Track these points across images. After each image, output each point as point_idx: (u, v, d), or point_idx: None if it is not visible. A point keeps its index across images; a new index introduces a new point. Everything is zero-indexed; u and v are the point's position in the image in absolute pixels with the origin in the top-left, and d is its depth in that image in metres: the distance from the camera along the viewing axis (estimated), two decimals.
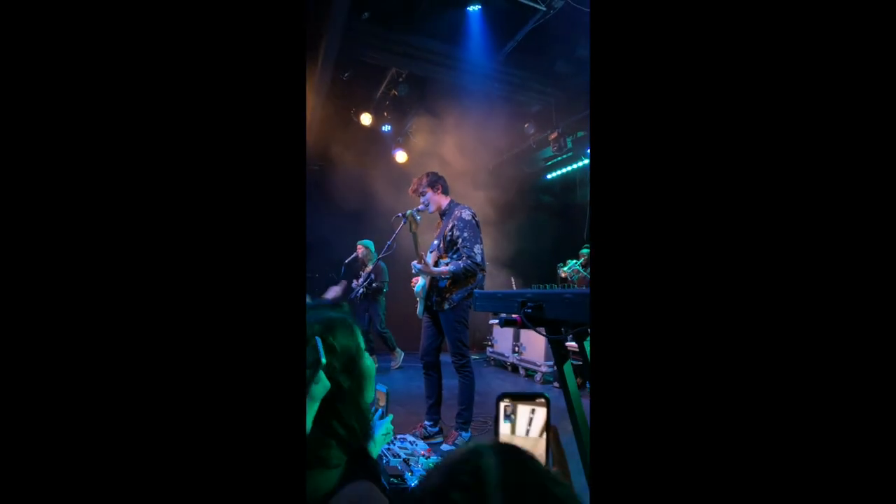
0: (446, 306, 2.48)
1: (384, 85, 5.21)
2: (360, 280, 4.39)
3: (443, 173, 2.69)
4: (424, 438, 2.50)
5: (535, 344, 4.45)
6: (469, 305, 2.50)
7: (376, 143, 6.17)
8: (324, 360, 0.77)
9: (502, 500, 0.35)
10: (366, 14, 3.93)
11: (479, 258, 2.47)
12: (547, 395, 0.64)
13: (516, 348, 4.75)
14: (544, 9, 3.72)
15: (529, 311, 1.18)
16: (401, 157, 6.06)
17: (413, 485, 1.67)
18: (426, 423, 2.63)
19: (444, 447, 2.39)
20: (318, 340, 0.77)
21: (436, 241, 2.63)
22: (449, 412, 2.66)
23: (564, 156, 5.60)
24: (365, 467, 0.80)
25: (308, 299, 0.91)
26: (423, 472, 1.81)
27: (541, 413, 0.63)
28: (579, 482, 0.87)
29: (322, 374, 0.76)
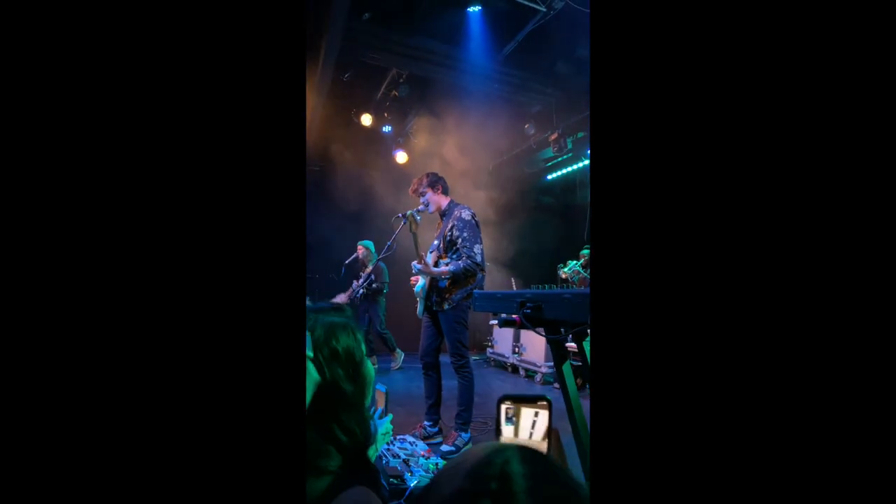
0: (446, 306, 2.48)
1: (385, 85, 5.21)
2: (360, 281, 4.39)
3: (443, 174, 2.70)
4: (424, 439, 2.50)
5: (535, 344, 4.45)
6: (469, 306, 2.50)
7: (377, 144, 6.17)
8: (310, 354, 0.77)
9: None
10: (366, 15, 3.94)
11: (478, 258, 2.47)
12: (548, 396, 0.64)
13: (516, 349, 4.75)
14: (544, 9, 3.73)
15: (528, 311, 1.19)
16: (401, 157, 6.06)
17: (412, 485, 1.67)
18: (426, 423, 2.63)
19: (444, 448, 2.39)
20: (307, 335, 0.78)
21: (436, 242, 2.63)
22: (448, 413, 2.65)
23: (564, 156, 5.60)
24: (365, 474, 0.80)
25: (308, 301, 0.91)
26: (436, 471, 1.81)
27: (543, 416, 0.63)
28: None
29: (311, 366, 0.77)
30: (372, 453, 1.07)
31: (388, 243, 2.80)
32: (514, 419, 0.63)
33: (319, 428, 0.77)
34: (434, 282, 2.52)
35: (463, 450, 2.42)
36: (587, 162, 5.49)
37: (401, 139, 6.08)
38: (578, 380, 3.56)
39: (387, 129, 5.92)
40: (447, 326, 2.51)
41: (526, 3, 3.68)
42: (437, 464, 1.89)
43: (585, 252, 4.80)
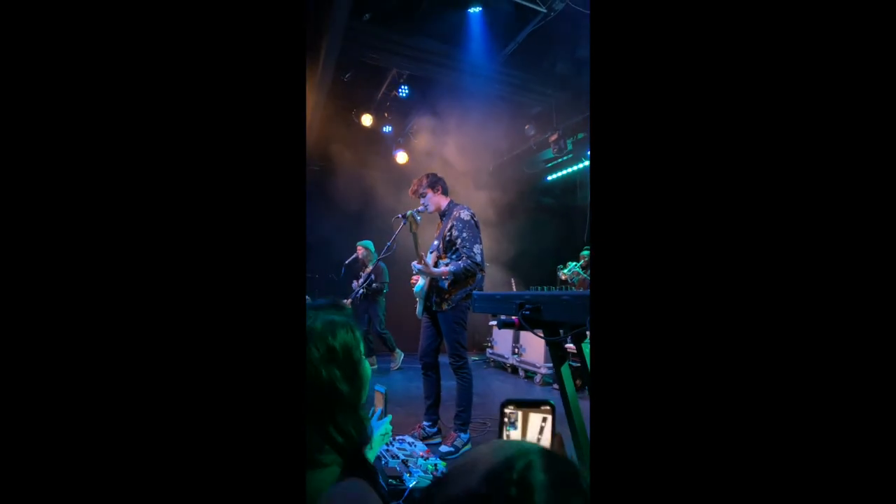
0: (445, 307, 2.48)
1: (385, 86, 5.21)
2: (360, 281, 4.39)
3: (443, 174, 2.70)
4: (423, 439, 2.50)
5: (534, 345, 4.44)
6: (468, 306, 2.50)
7: (377, 144, 6.18)
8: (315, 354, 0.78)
9: None
10: (367, 15, 3.94)
11: (478, 258, 2.47)
12: (551, 401, 0.64)
13: (516, 350, 4.75)
14: (545, 10, 3.73)
15: (527, 313, 1.19)
16: (401, 157, 6.06)
17: (411, 485, 1.67)
18: (425, 423, 2.62)
19: (443, 448, 2.38)
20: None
21: (435, 242, 2.63)
22: (448, 413, 2.65)
23: (565, 157, 5.61)
24: (361, 470, 0.79)
25: (308, 299, 0.91)
26: (434, 471, 1.81)
27: (546, 421, 0.63)
28: None
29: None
30: (370, 454, 1.06)
31: (388, 243, 2.80)
32: (516, 424, 0.63)
33: (315, 429, 0.77)
34: (434, 282, 2.52)
35: (463, 450, 2.42)
36: (587, 163, 5.49)
37: (401, 139, 6.08)
38: (577, 381, 3.56)
39: (387, 129, 5.92)
40: (446, 327, 2.51)
41: (526, 3, 3.68)
42: (435, 464, 1.89)
43: (585, 253, 4.80)
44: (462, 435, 2.47)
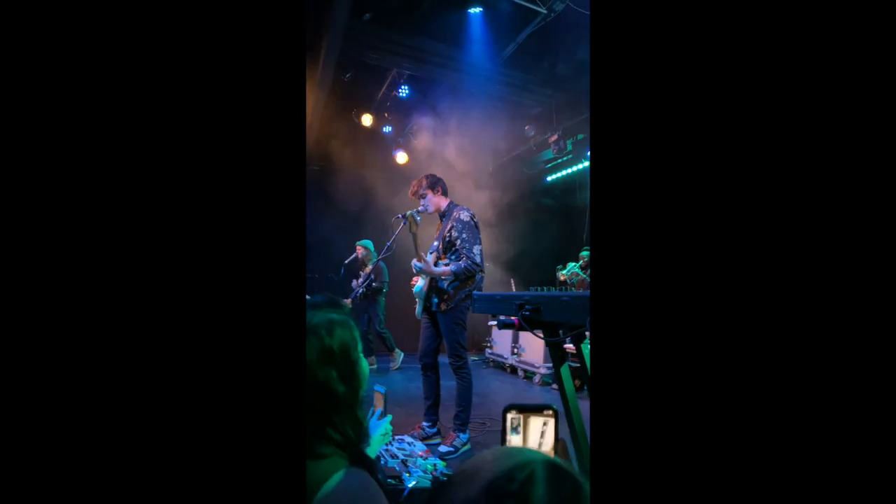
0: (445, 307, 2.48)
1: (385, 86, 5.21)
2: (360, 280, 4.39)
3: (443, 175, 2.70)
4: (423, 439, 2.50)
5: (533, 346, 4.44)
6: (467, 307, 2.50)
7: (377, 144, 6.17)
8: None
9: None
10: (367, 15, 3.94)
11: (478, 259, 2.47)
12: (554, 406, 0.63)
13: (515, 350, 4.75)
14: (545, 11, 3.74)
15: (527, 313, 1.19)
16: (401, 157, 6.06)
17: (410, 485, 1.67)
18: (424, 424, 2.63)
19: (442, 448, 2.39)
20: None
21: (435, 243, 2.63)
22: (447, 413, 2.65)
23: (564, 158, 5.61)
24: (363, 463, 0.79)
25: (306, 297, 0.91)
26: (434, 471, 1.81)
27: (549, 425, 0.62)
28: None
29: None
30: (369, 453, 1.06)
31: (388, 244, 2.80)
32: (519, 429, 0.62)
33: (312, 429, 0.77)
34: (433, 282, 2.52)
35: (462, 450, 2.42)
36: (587, 164, 5.50)
37: (401, 139, 6.08)
38: (576, 381, 3.56)
39: (387, 129, 5.92)
40: (446, 327, 2.51)
41: (527, 4, 3.69)
42: (434, 464, 1.89)
43: (584, 254, 4.80)
44: (461, 435, 2.47)
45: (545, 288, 1.23)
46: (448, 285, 2.47)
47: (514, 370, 4.86)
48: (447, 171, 4.98)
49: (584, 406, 1.22)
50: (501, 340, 5.13)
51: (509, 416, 0.63)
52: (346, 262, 4.67)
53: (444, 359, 2.56)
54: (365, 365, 0.89)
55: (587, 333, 1.26)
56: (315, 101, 4.70)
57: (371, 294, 4.83)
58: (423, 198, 2.60)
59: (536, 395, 4.03)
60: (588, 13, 3.38)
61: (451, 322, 2.49)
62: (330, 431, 0.79)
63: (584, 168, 5.63)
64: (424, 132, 5.76)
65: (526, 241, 6.20)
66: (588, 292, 1.02)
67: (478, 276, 2.51)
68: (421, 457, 1.99)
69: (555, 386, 4.11)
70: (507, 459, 0.37)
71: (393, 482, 1.69)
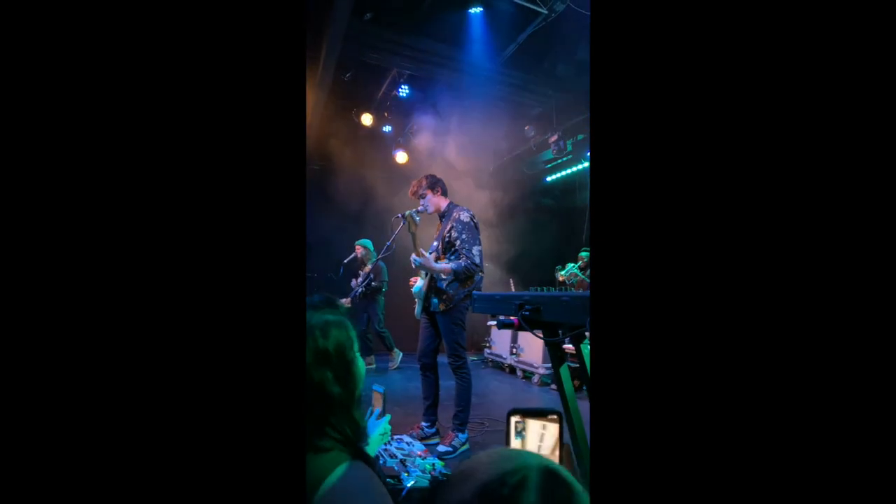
0: (444, 307, 2.48)
1: (385, 85, 5.21)
2: (360, 280, 4.39)
3: (443, 175, 2.70)
4: (421, 439, 2.50)
5: (532, 346, 4.44)
6: (467, 307, 2.50)
7: (377, 144, 6.17)
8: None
9: None
10: (368, 15, 3.94)
11: (477, 259, 2.47)
12: (559, 410, 0.62)
13: (514, 350, 4.75)
14: (546, 11, 3.74)
15: (527, 313, 1.19)
16: (401, 157, 6.06)
17: (409, 485, 1.67)
18: (423, 424, 2.63)
19: (441, 448, 2.39)
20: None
21: (435, 243, 2.63)
22: (446, 413, 2.65)
23: (564, 158, 5.61)
24: (364, 458, 0.79)
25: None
26: (433, 470, 1.81)
27: (553, 430, 0.61)
28: None
29: None
30: (369, 452, 1.06)
31: (388, 243, 2.80)
32: (523, 433, 0.62)
33: (311, 429, 0.77)
34: (433, 282, 2.52)
35: (461, 450, 2.42)
36: (587, 164, 5.50)
37: (401, 139, 6.08)
38: (575, 381, 3.56)
39: (387, 129, 5.92)
40: (445, 327, 2.51)
41: (527, 4, 3.69)
42: (433, 464, 1.89)
43: (584, 254, 4.80)
44: (460, 435, 2.47)
45: (545, 288, 1.23)
46: (447, 285, 2.47)
47: (512, 370, 4.86)
48: (447, 171, 4.99)
49: (583, 406, 1.22)
50: (500, 340, 5.13)
51: (513, 420, 0.62)
52: (346, 261, 4.68)
53: (443, 359, 2.56)
54: (361, 364, 0.89)
55: (587, 334, 1.26)
56: (315, 101, 4.70)
57: (370, 293, 4.83)
58: (423, 198, 2.60)
59: (535, 395, 4.02)
60: (588, 13, 3.38)
61: (450, 322, 2.49)
62: (329, 431, 0.79)
63: (584, 168, 5.63)
64: (424, 132, 5.76)
65: (526, 241, 6.20)
66: (588, 292, 1.02)
67: (477, 277, 2.51)
68: (419, 456, 1.99)
69: (553, 386, 4.11)
70: (502, 463, 0.37)
71: (391, 482, 1.69)
